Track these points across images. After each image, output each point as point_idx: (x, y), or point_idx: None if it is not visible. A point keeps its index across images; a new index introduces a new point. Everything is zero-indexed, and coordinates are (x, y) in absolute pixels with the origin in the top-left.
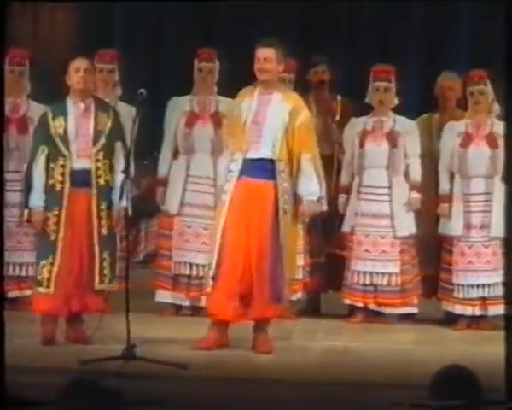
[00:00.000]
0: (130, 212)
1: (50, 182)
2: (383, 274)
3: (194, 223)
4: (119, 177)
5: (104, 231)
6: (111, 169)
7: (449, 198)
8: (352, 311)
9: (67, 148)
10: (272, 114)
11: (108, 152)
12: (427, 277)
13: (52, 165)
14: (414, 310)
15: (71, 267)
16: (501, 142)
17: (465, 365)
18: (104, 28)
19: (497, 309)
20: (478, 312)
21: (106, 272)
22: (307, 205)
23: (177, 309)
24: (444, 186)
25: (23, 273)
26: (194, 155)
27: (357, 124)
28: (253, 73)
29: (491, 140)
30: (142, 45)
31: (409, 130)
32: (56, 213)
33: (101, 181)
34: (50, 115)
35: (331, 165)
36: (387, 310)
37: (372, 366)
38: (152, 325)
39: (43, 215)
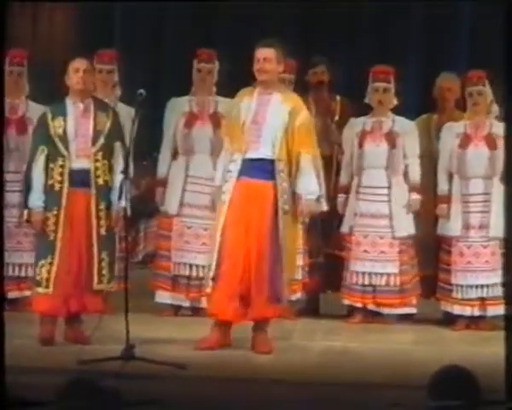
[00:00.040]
0: (129, 212)
1: (50, 182)
2: (382, 275)
3: (193, 224)
4: (119, 177)
5: (103, 231)
6: (110, 169)
7: (448, 199)
8: (351, 311)
9: (67, 148)
10: (272, 115)
11: (107, 152)
12: (425, 277)
13: (51, 165)
14: (413, 310)
15: (69, 267)
16: (500, 143)
17: (464, 365)
18: (104, 29)
19: (496, 310)
20: (477, 312)
21: (104, 272)
22: (306, 204)
23: (176, 309)
24: (442, 187)
25: (23, 274)
26: (194, 156)
27: (356, 124)
28: (252, 74)
29: (490, 141)
30: (141, 46)
31: (408, 130)
32: (55, 213)
33: (100, 181)
34: (50, 116)
35: (330, 165)
36: (386, 310)
37: (371, 366)
38: (151, 326)
39: (42, 215)
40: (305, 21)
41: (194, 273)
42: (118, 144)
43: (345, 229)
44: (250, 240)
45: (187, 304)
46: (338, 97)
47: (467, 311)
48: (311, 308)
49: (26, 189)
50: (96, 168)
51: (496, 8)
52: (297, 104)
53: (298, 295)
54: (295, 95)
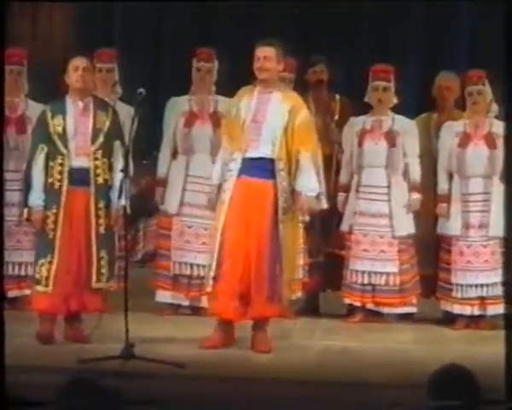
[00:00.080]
0: (128, 211)
1: (49, 180)
2: (381, 274)
3: (194, 223)
4: (118, 176)
5: (102, 229)
6: (110, 168)
7: (447, 198)
8: (351, 310)
9: (66, 146)
10: (272, 113)
11: (107, 151)
12: (425, 276)
13: (51, 163)
14: (413, 310)
15: (69, 266)
16: (499, 142)
17: (464, 364)
18: (103, 28)
19: (496, 309)
20: (476, 311)
21: (103, 270)
22: (306, 201)
23: (176, 308)
24: (442, 186)
25: (22, 273)
26: (194, 155)
27: (356, 123)
28: (252, 73)
29: (490, 140)
30: (141, 45)
31: (408, 129)
32: (55, 211)
33: (100, 180)
34: (49, 114)
35: (330, 164)
36: (386, 310)
37: (371, 365)
38: (151, 325)
39: (42, 214)
40: (305, 21)
41: (195, 273)
42: (117, 143)
43: (344, 228)
44: (250, 239)
45: (186, 303)
46: (337, 96)
47: (467, 310)
48: (310, 307)
49: (26, 187)
50: (96, 167)
51: (496, 8)
52: (297, 103)
53: (298, 295)
54: (295, 94)
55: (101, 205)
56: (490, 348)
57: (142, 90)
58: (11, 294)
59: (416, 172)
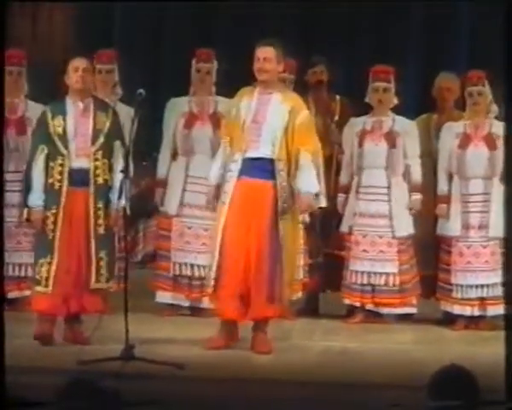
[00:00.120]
0: (128, 211)
1: (49, 181)
2: (381, 274)
3: (194, 224)
4: (118, 176)
5: (101, 230)
6: (110, 169)
7: (447, 199)
8: (351, 311)
9: (66, 147)
10: (272, 114)
11: (107, 151)
12: (425, 277)
13: (51, 164)
14: (412, 310)
15: (68, 267)
16: (499, 143)
17: (464, 365)
18: (103, 29)
19: (496, 309)
20: (476, 312)
21: (102, 271)
22: (305, 198)
23: (176, 309)
24: (442, 187)
25: (22, 274)
26: (194, 156)
27: (356, 124)
28: (252, 74)
29: (490, 141)
30: (141, 46)
31: (408, 130)
32: (54, 212)
33: (100, 180)
34: (49, 115)
35: (330, 165)
36: (385, 310)
37: (371, 366)
38: (151, 326)
39: (42, 214)
40: (305, 21)
41: (195, 274)
42: (117, 144)
43: (344, 228)
44: (250, 240)
45: (186, 304)
46: (337, 97)
47: (467, 311)
48: (310, 308)
49: (26, 188)
50: (96, 167)
51: (496, 8)
52: (297, 104)
53: (298, 295)
54: (295, 94)
55: (101, 205)
56: (490, 349)
57: (141, 90)
58: (11, 295)
59: (416, 173)
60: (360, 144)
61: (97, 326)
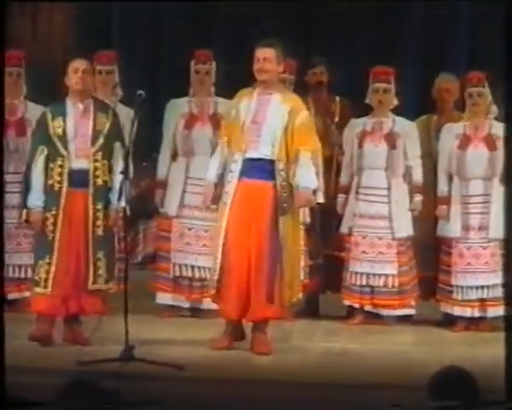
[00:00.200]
0: (128, 212)
1: (49, 182)
2: (380, 275)
3: (194, 225)
4: (118, 177)
5: (100, 231)
6: (110, 170)
7: (447, 200)
8: (351, 312)
9: (66, 148)
10: (271, 114)
11: (107, 152)
12: (425, 278)
13: (51, 165)
14: (411, 312)
15: (68, 268)
16: (499, 143)
17: (464, 366)
18: (103, 29)
19: (496, 311)
20: (477, 313)
21: (100, 272)
22: (303, 192)
23: (176, 311)
24: (442, 188)
25: (22, 275)
26: (194, 157)
27: (356, 125)
28: (252, 74)
29: (490, 142)
30: (140, 47)
31: (408, 131)
32: (54, 213)
33: (99, 181)
34: (49, 116)
35: (330, 166)
36: (385, 312)
37: (371, 367)
38: (151, 327)
39: (41, 215)
40: (305, 21)
41: (196, 275)
42: (117, 145)
43: (344, 229)
44: (251, 240)
45: (187, 305)
46: (337, 98)
47: (467, 312)
48: (310, 309)
49: (26, 189)
50: (96, 168)
51: (496, 8)
52: (297, 104)
53: (299, 296)
54: (295, 95)
55: (100, 207)
56: (490, 350)
57: (141, 91)
58: (11, 296)
59: (418, 174)
60: (360, 145)
61: (97, 327)
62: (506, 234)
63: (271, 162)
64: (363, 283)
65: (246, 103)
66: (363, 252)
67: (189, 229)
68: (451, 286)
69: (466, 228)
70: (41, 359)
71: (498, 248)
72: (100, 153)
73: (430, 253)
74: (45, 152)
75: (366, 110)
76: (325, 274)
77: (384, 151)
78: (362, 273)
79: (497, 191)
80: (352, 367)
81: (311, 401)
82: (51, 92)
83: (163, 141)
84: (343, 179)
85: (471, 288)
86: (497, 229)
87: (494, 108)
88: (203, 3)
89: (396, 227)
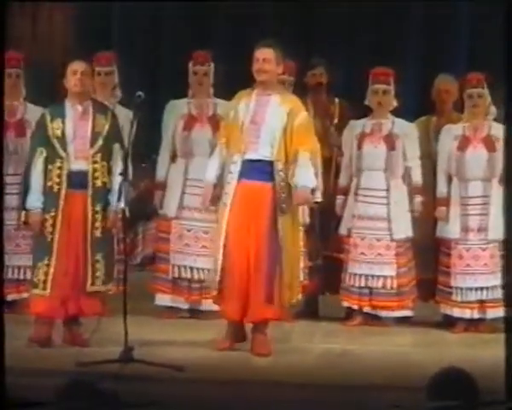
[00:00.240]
0: (127, 214)
1: (48, 183)
2: (379, 277)
3: (193, 226)
4: (117, 179)
5: (98, 233)
6: (108, 171)
7: (447, 201)
8: (350, 313)
9: (65, 149)
10: (270, 115)
11: (106, 154)
12: (424, 280)
13: (50, 166)
14: (410, 313)
15: (66, 269)
16: (498, 145)
17: (463, 367)
18: (102, 30)
19: (496, 312)
20: (476, 315)
21: (98, 273)
22: (302, 191)
23: (176, 312)
24: (441, 189)
25: (21, 276)
26: (193, 159)
27: (356, 126)
28: (251, 75)
29: (489, 143)
30: (140, 48)
31: (407, 132)
32: (53, 214)
33: (98, 183)
34: (48, 117)
35: (329, 167)
36: (383, 313)
37: (370, 368)
38: (150, 328)
39: (40, 216)
40: (305, 22)
41: (195, 276)
42: (116, 146)
43: (343, 231)
44: (250, 241)
45: (186, 307)
46: (336, 100)
47: (466, 313)
48: (309, 311)
49: (25, 190)
50: (95, 170)
51: (496, 8)
52: (295, 105)
53: (298, 298)
54: (294, 96)
55: (98, 208)
56: (489, 352)
57: (140, 93)
58: (10, 297)
59: (417, 175)
60: (359, 147)
61: (96, 328)
62: (506, 235)
63: (270, 163)
64: (362, 284)
65: (245, 104)
66: (362, 253)
67: (189, 230)
68: (451, 288)
69: (465, 229)
70: (40, 360)
71: (498, 250)
72: (99, 154)
73: (429, 254)
74: (44, 154)
75: (365, 111)
76: (324, 275)
77: (383, 152)
78: (361, 275)
79: (497, 192)
80: (351, 368)
81: (310, 402)
82: (50, 93)
83: (162, 142)
84: (342, 181)
85: (470, 289)
86: (496, 230)
87: (493, 109)
88: (203, 3)
89: (395, 228)
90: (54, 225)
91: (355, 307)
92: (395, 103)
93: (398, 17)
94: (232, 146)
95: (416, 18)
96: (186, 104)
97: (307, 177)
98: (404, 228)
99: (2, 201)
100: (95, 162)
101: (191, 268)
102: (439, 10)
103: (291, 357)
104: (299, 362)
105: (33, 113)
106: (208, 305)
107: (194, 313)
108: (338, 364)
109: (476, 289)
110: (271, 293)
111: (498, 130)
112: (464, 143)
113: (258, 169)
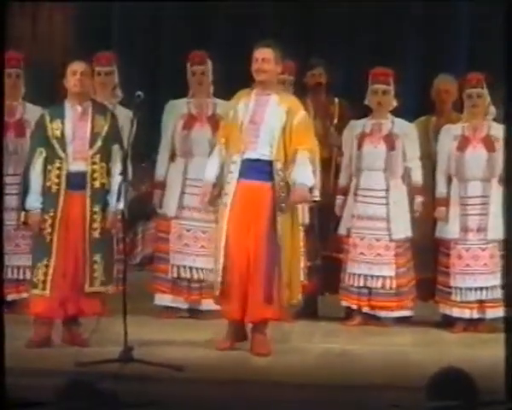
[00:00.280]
0: (126, 214)
1: (47, 184)
2: (378, 277)
3: (192, 226)
4: (117, 179)
5: (96, 233)
6: (107, 172)
7: (446, 201)
8: (350, 313)
9: (64, 150)
10: (269, 115)
11: (105, 155)
12: (424, 280)
13: (49, 167)
14: (409, 313)
15: (65, 270)
16: (498, 145)
17: (462, 367)
18: (102, 30)
19: (495, 312)
20: (476, 315)
21: (97, 274)
22: (300, 189)
23: (175, 312)
24: (441, 189)
25: (21, 276)
26: (192, 158)
27: (355, 126)
28: (251, 75)
29: (488, 143)
30: (139, 48)
31: (407, 132)
32: (52, 215)
33: (97, 184)
34: (48, 118)
35: (329, 167)
36: (382, 313)
37: (370, 368)
38: (149, 328)
39: (39, 217)
40: (305, 22)
41: (194, 276)
42: (115, 147)
43: (342, 231)
44: (250, 241)
45: (185, 306)
46: (336, 100)
47: (466, 313)
48: (309, 311)
49: (24, 191)
50: (93, 171)
51: (496, 8)
52: (294, 105)
53: (298, 298)
54: (293, 96)
55: (97, 209)
56: (489, 351)
57: (140, 93)
58: (10, 297)
59: (417, 175)
60: (359, 147)
61: (96, 328)
62: (505, 235)
63: (269, 163)
64: (361, 284)
65: (244, 104)
66: (362, 253)
67: (188, 230)
68: (450, 288)
69: (464, 229)
70: (40, 360)
71: (497, 250)
72: (98, 155)
73: (429, 254)
74: (44, 154)
75: (365, 111)
76: (323, 275)
77: (383, 152)
78: (360, 275)
79: (496, 192)
80: (351, 368)
81: (310, 401)
82: (50, 94)
83: (161, 142)
84: (342, 181)
85: (470, 289)
86: (495, 230)
87: (492, 109)
88: (203, 3)
89: (394, 229)
90: (53, 226)
91: (354, 307)
92: (395, 103)
93: (398, 17)
94: (231, 146)
95: (416, 18)
96: (185, 104)
97: (305, 175)
98: (403, 228)
99: (2, 201)
100: (93, 163)
101: (190, 268)
102: (439, 10)
103: (290, 357)
104: (299, 362)
105: (32, 113)
106: (208, 305)
107: (194, 312)
108: (337, 364)
109: (476, 289)
110: (270, 293)
111: (498, 130)
112: (464, 143)
113: (257, 169)
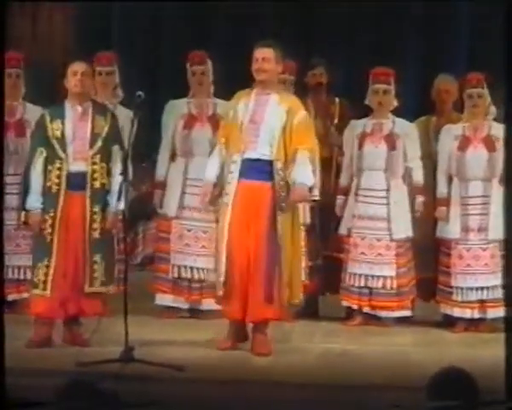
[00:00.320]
0: (127, 214)
1: (47, 184)
2: (378, 277)
3: (193, 226)
4: (117, 179)
5: (96, 234)
6: (108, 173)
7: (447, 201)
8: (350, 313)
9: (64, 150)
10: (269, 114)
11: (105, 155)
12: (425, 280)
13: (49, 167)
14: (409, 313)
15: (66, 270)
16: (498, 144)
17: (463, 367)
18: (102, 30)
19: (496, 312)
20: (476, 314)
21: (97, 275)
22: (299, 188)
23: (176, 312)
24: (442, 189)
25: (21, 276)
26: (193, 158)
27: (356, 126)
28: (251, 75)
29: (489, 143)
30: (140, 48)
31: (408, 132)
32: (52, 215)
33: (97, 184)
34: (48, 118)
35: (330, 167)
36: (382, 313)
37: (370, 368)
38: (150, 328)
39: (40, 217)
40: (305, 22)
41: (195, 276)
42: (116, 148)
43: (343, 231)
44: (250, 241)
45: (186, 306)
46: (337, 99)
47: (467, 313)
48: (310, 310)
49: (24, 191)
50: (94, 171)
51: (496, 8)
52: (294, 104)
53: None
54: (293, 96)
55: (97, 209)
56: (490, 351)
57: (140, 92)
58: (10, 297)
59: (418, 175)
60: (360, 146)
61: (96, 328)
62: (506, 235)
63: (270, 163)
64: (362, 284)
65: (244, 104)
66: (362, 253)
67: (189, 230)
68: (451, 287)
69: (465, 229)
70: (40, 360)
71: (498, 250)
72: (98, 156)
73: (430, 254)
74: (44, 154)
75: (366, 111)
76: (324, 275)
77: (384, 152)
78: (360, 275)
79: (497, 192)
80: (351, 368)
81: (310, 401)
82: (50, 94)
83: (162, 142)
84: (343, 181)
85: (471, 289)
86: (496, 230)
87: (493, 109)
88: (203, 3)
89: (394, 229)
90: (53, 226)
91: (355, 306)
92: (395, 103)
93: (398, 17)
94: (232, 146)
95: (416, 18)
96: (186, 104)
97: (305, 174)
98: (404, 228)
99: (2, 201)
100: (94, 164)
101: (191, 268)
102: (439, 10)
103: (291, 357)
104: (300, 362)
105: (33, 112)
106: (208, 305)
107: (195, 312)
108: (338, 364)
109: (477, 288)
110: (271, 293)
111: (498, 130)
112: (464, 143)
113: (257, 169)
